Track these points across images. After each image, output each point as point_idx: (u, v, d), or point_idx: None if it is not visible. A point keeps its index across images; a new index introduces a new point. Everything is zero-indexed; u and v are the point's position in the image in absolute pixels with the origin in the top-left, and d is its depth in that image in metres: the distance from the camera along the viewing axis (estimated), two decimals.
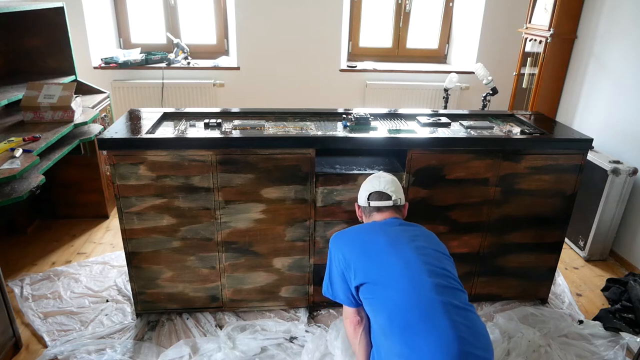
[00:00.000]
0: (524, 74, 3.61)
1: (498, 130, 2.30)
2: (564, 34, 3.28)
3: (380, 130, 2.21)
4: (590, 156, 2.82)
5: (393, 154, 2.33)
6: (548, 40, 3.25)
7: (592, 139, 2.15)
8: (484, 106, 3.27)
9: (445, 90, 3.46)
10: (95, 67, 3.81)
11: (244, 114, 2.43)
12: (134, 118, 2.25)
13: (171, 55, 3.99)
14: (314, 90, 4.10)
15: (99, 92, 3.30)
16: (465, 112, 2.58)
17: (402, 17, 4.25)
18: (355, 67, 4.11)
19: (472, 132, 2.25)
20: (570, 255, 3.00)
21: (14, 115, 2.70)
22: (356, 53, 4.35)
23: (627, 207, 2.83)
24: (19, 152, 2.13)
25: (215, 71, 3.98)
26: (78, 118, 2.68)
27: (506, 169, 2.15)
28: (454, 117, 2.46)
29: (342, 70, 4.09)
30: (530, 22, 3.49)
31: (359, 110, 2.44)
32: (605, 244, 2.91)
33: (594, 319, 2.37)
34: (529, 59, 3.53)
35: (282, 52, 3.96)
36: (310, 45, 3.97)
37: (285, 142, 2.03)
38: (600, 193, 2.77)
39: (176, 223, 2.10)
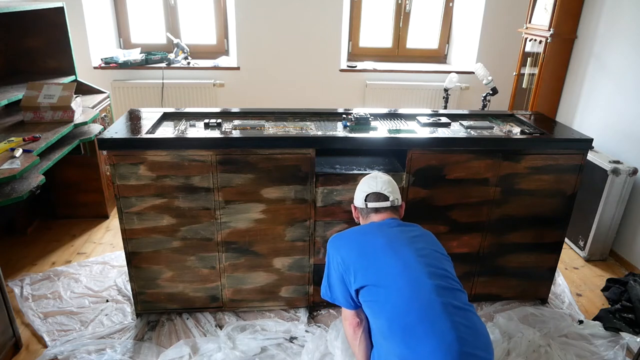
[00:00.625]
0: (524, 74, 3.61)
1: (498, 130, 2.30)
2: (564, 34, 3.28)
3: (380, 130, 2.21)
4: (590, 156, 2.82)
5: (393, 154, 2.33)
6: (548, 40, 3.25)
7: (592, 139, 2.15)
8: (484, 106, 3.27)
9: (445, 90, 3.47)
10: (95, 67, 3.81)
11: (244, 114, 2.43)
12: (134, 118, 2.25)
13: (171, 55, 3.99)
14: (314, 90, 4.10)
15: (99, 92, 3.30)
16: (465, 112, 2.58)
17: (402, 17, 4.25)
18: (355, 67, 4.11)
19: (472, 132, 2.25)
20: (570, 255, 3.00)
21: (14, 115, 2.70)
22: (356, 53, 4.36)
23: (627, 207, 2.83)
24: (19, 152, 2.13)
25: (215, 71, 3.98)
26: (78, 118, 2.68)
27: (506, 169, 2.15)
28: (454, 117, 2.46)
29: (342, 70, 4.09)
30: (530, 22, 3.49)
31: (359, 110, 2.44)
32: (605, 244, 2.91)
33: (594, 319, 2.37)
34: (529, 59, 3.53)
35: (282, 52, 3.96)
36: (310, 45, 3.97)
37: (285, 142, 2.03)
38: (600, 193, 2.77)
39: (176, 223, 2.10)
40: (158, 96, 3.92)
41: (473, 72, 3.49)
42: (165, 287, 2.23)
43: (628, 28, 2.87)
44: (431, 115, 2.44)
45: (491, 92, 3.21)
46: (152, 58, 3.93)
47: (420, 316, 1.39)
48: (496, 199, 2.20)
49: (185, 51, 4.03)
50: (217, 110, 2.49)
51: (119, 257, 2.76)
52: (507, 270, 2.38)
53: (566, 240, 3.07)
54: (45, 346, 2.10)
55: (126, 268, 2.20)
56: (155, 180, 2.00)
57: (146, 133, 2.04)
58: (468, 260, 2.33)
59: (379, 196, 1.76)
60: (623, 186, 2.73)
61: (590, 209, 2.86)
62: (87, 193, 3.18)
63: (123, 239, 2.10)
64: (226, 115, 2.41)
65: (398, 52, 4.38)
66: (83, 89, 3.20)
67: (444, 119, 2.37)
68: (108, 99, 3.28)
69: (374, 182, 1.79)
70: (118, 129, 2.04)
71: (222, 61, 4.07)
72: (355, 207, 1.87)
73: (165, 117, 2.34)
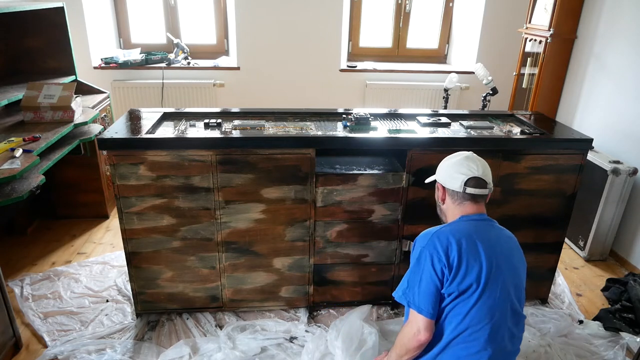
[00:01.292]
0: (524, 74, 3.61)
1: (498, 130, 2.30)
2: (564, 34, 3.28)
3: (380, 130, 2.21)
4: (590, 156, 2.82)
5: (393, 154, 2.33)
6: (548, 40, 3.24)
7: (592, 139, 2.15)
8: (484, 106, 3.27)
9: (445, 90, 3.46)
10: (95, 67, 3.81)
11: (244, 114, 2.43)
12: (134, 118, 2.25)
13: (171, 55, 3.99)
14: (314, 90, 4.10)
15: (99, 92, 3.30)
16: (465, 112, 2.58)
17: (402, 17, 4.25)
18: (355, 67, 4.11)
19: (472, 132, 2.25)
20: (570, 255, 3.00)
21: (14, 115, 2.70)
22: (356, 53, 4.35)
23: (627, 207, 2.83)
24: (19, 152, 2.13)
25: (215, 71, 3.98)
26: (78, 118, 2.68)
27: (506, 169, 2.15)
28: (454, 117, 2.46)
29: (342, 70, 4.08)
30: (530, 22, 3.49)
31: (359, 110, 2.44)
32: (605, 244, 2.91)
33: (594, 319, 2.37)
34: (529, 59, 3.53)
35: (282, 52, 3.96)
36: (310, 45, 3.97)
37: (285, 142, 2.03)
38: (600, 193, 2.77)
39: (176, 223, 2.09)
40: (158, 96, 3.92)
41: (473, 72, 3.49)
42: (165, 287, 2.23)
43: (628, 28, 2.87)
44: (431, 115, 2.44)
45: (491, 92, 3.20)
46: (152, 58, 3.93)
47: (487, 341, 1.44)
48: (496, 199, 2.20)
49: (185, 51, 4.03)
50: (217, 110, 2.49)
51: (119, 257, 2.76)
52: None
53: (566, 240, 3.07)
54: (45, 346, 2.10)
55: (126, 268, 2.20)
56: (155, 180, 2.00)
57: (146, 133, 2.04)
58: None
59: (479, 182, 1.55)
60: (623, 186, 2.73)
61: (590, 209, 2.86)
62: (87, 193, 3.18)
63: (123, 239, 2.10)
64: (226, 115, 2.41)
65: (398, 52, 4.38)
66: (83, 89, 3.20)
67: (444, 119, 2.37)
68: (108, 99, 3.28)
69: (475, 164, 1.57)
70: (118, 129, 2.04)
71: (222, 61, 4.07)
72: (444, 188, 1.62)
73: (165, 117, 2.34)
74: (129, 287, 2.39)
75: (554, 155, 2.15)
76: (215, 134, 2.08)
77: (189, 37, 4.20)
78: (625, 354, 2.13)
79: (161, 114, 2.33)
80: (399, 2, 4.21)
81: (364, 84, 4.11)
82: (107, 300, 2.41)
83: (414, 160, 2.09)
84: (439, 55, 4.47)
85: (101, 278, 2.59)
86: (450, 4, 4.26)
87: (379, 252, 2.27)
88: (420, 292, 1.47)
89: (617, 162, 2.77)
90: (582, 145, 2.16)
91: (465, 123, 2.35)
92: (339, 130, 2.21)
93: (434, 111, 2.55)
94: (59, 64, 3.19)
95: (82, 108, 2.82)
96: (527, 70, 3.57)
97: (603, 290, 2.64)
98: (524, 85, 3.61)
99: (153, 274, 2.19)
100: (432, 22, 4.36)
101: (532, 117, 2.51)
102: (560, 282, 2.67)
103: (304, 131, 2.17)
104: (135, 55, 3.91)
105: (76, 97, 2.72)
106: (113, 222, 3.20)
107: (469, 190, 1.55)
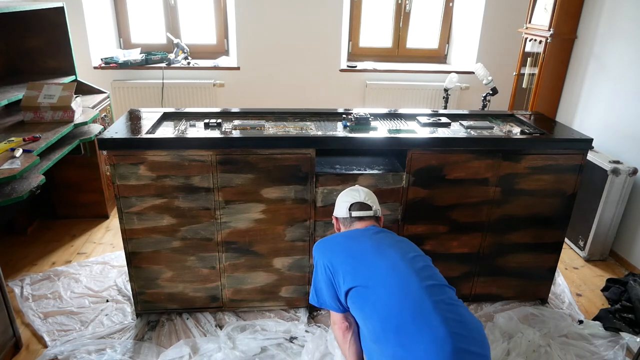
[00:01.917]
0: (524, 74, 3.61)
1: (498, 130, 2.30)
2: (564, 34, 3.28)
3: (380, 130, 2.21)
4: (590, 156, 2.82)
5: (393, 154, 2.33)
6: (548, 40, 3.24)
7: (592, 139, 2.15)
8: (484, 106, 3.27)
9: (445, 90, 3.47)
10: (95, 67, 3.81)
11: (244, 114, 2.43)
12: (134, 118, 2.25)
13: (171, 55, 3.99)
14: (314, 90, 4.10)
15: (99, 92, 3.30)
16: (465, 112, 2.58)
17: (402, 17, 4.25)
18: (355, 67, 4.11)
19: (472, 132, 2.25)
20: (570, 255, 3.00)
21: (14, 115, 2.70)
22: (356, 53, 4.35)
23: (627, 207, 2.83)
24: (19, 152, 2.13)
25: (215, 71, 3.98)
26: (78, 118, 2.68)
27: (506, 169, 2.15)
28: (454, 117, 2.46)
29: (342, 70, 4.09)
30: (530, 22, 3.49)
31: (359, 110, 2.44)
32: (605, 244, 2.91)
33: (594, 319, 2.37)
34: (529, 59, 3.53)
35: (282, 52, 3.96)
36: (310, 45, 3.97)
37: (285, 142, 2.03)
38: (600, 193, 2.77)
39: (176, 223, 2.10)
40: (158, 96, 3.92)
41: (473, 72, 3.49)
42: (165, 287, 2.23)
43: (628, 28, 2.87)
44: (431, 115, 2.44)
45: (491, 92, 3.21)
46: (152, 58, 3.93)
47: (413, 314, 1.39)
48: (496, 199, 2.20)
49: (185, 51, 4.03)
50: (217, 110, 2.49)
51: (119, 257, 2.76)
52: (507, 270, 2.38)
53: (566, 240, 3.07)
54: (45, 346, 2.10)
55: (126, 268, 2.20)
56: (155, 180, 2.00)
57: (146, 133, 2.04)
58: (468, 260, 2.32)
59: (362, 206, 1.78)
60: (623, 186, 2.73)
61: (590, 209, 2.86)
62: (87, 193, 3.18)
63: (123, 239, 2.10)
64: (226, 115, 2.41)
65: (398, 52, 4.38)
66: (83, 89, 3.20)
67: (444, 119, 2.37)
68: (108, 99, 3.28)
69: (357, 193, 1.82)
70: (118, 129, 2.04)
71: (222, 61, 4.07)
72: (337, 218, 1.85)
73: (165, 117, 2.34)
74: (129, 287, 2.39)
75: (554, 155, 2.15)
76: (215, 134, 2.08)
77: (189, 37, 4.20)
78: (625, 354, 2.13)
79: (161, 114, 2.33)
80: (399, 2, 4.21)
81: (364, 84, 4.11)
82: (107, 300, 2.41)
83: (414, 161, 2.09)
84: (439, 55, 4.47)
85: (101, 278, 2.59)
86: (450, 4, 4.26)
87: None
88: (325, 294, 1.66)
89: (617, 162, 2.77)
90: (582, 145, 2.16)
91: (465, 123, 2.35)
92: (339, 130, 2.21)
93: (434, 111, 2.55)
94: (59, 64, 3.19)
95: (82, 108, 2.82)
96: (527, 70, 3.57)
97: (603, 290, 2.64)
98: (524, 85, 3.62)
99: (153, 274, 2.19)
100: (432, 22, 4.36)
101: (532, 117, 2.51)
102: (560, 282, 2.67)
103: (304, 131, 2.17)
104: (135, 55, 3.91)
105: (76, 97, 2.72)
106: (113, 222, 3.20)
107: (354, 213, 1.78)
